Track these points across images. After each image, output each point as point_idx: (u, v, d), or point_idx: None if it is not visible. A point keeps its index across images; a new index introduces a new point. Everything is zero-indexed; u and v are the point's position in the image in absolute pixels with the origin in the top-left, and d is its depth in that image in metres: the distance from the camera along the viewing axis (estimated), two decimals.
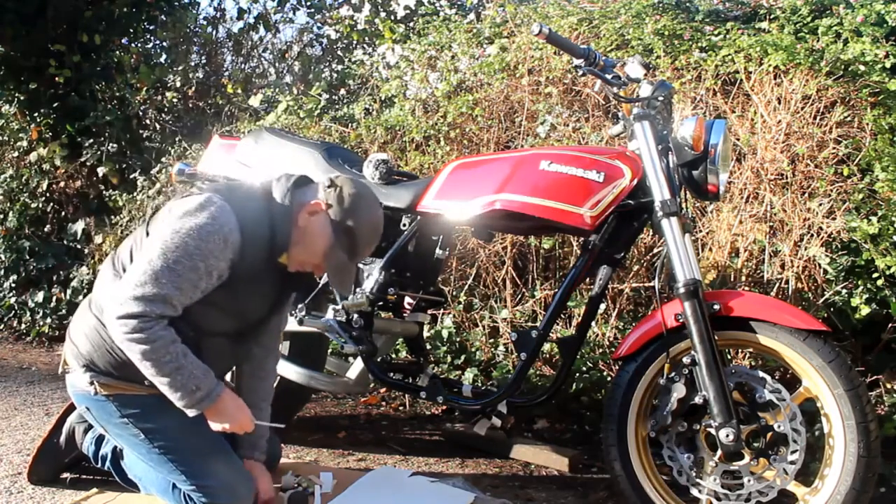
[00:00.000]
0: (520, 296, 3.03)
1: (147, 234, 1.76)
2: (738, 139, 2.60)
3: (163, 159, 4.33)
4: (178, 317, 1.67)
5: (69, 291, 4.72)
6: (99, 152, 4.66)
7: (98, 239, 4.61)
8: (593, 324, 2.76)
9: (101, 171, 4.65)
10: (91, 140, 4.74)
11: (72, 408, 2.10)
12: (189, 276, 1.64)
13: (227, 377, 2.05)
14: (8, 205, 5.19)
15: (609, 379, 2.63)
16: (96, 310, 1.80)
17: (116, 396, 1.80)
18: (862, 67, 2.50)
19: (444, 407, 2.99)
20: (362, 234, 1.77)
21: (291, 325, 2.36)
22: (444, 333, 3.05)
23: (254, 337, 1.94)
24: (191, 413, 1.72)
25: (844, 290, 2.44)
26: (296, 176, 1.82)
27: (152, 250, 1.64)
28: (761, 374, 1.79)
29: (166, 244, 1.63)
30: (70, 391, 1.89)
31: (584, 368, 2.73)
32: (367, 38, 5.78)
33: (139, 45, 5.69)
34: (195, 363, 1.68)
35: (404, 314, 2.37)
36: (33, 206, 5.10)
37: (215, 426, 1.77)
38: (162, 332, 1.63)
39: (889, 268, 2.33)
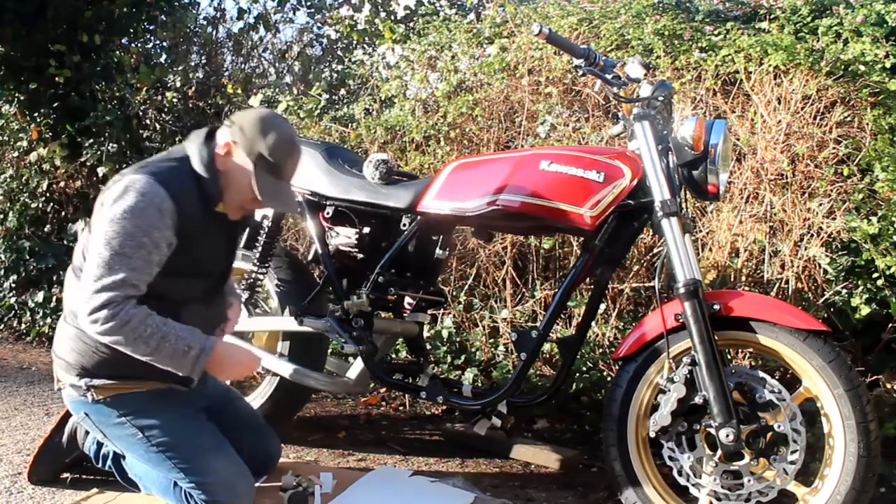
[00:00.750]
0: (520, 296, 3.03)
1: (90, 232, 1.79)
2: (738, 139, 2.60)
3: None
4: (150, 297, 1.71)
5: None
6: (99, 152, 4.66)
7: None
8: (593, 324, 2.76)
9: (101, 171, 4.65)
10: (91, 140, 4.74)
11: None
12: (139, 254, 1.69)
13: None
14: (8, 205, 5.19)
15: (609, 379, 2.63)
16: (71, 319, 1.82)
17: (112, 398, 1.82)
18: (862, 67, 2.50)
19: (444, 407, 2.99)
20: (277, 153, 1.80)
21: (291, 325, 2.36)
22: (444, 333, 3.05)
23: (221, 298, 2.01)
24: (196, 375, 1.75)
25: (844, 290, 2.44)
26: (203, 130, 1.88)
27: (97, 244, 1.70)
28: (761, 374, 1.79)
29: (108, 234, 1.69)
30: (67, 402, 1.91)
31: (584, 368, 2.73)
32: (367, 38, 5.78)
33: (139, 45, 5.69)
34: (178, 326, 1.72)
35: (404, 314, 2.37)
36: (33, 206, 5.09)
37: (223, 378, 1.85)
38: (133, 311, 1.67)
39: (889, 268, 2.33)
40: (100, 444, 2.06)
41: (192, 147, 1.84)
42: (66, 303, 1.86)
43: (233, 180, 1.82)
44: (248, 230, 2.52)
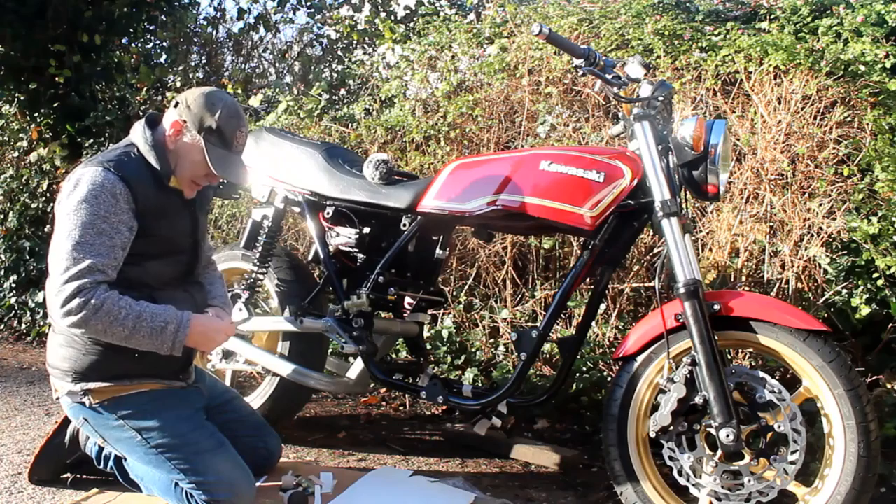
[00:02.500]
0: (520, 296, 3.03)
1: None
2: (738, 139, 2.60)
3: None
4: (126, 286, 1.73)
5: None
6: (99, 152, 4.66)
7: None
8: (593, 324, 2.77)
9: None
10: (91, 140, 4.74)
11: None
12: (101, 241, 1.71)
13: None
14: (8, 205, 5.19)
15: (609, 379, 2.63)
16: (59, 327, 1.83)
17: (110, 401, 1.82)
18: (862, 67, 2.50)
19: (444, 407, 2.99)
20: (225, 124, 1.85)
21: (291, 325, 2.36)
22: (444, 333, 3.05)
23: (197, 282, 2.02)
24: (177, 351, 1.76)
25: (844, 290, 2.44)
26: (142, 118, 1.93)
27: (59, 239, 1.73)
28: (761, 374, 1.79)
29: (67, 227, 1.71)
30: (66, 409, 1.91)
31: (584, 368, 2.73)
32: (367, 38, 5.79)
33: (139, 45, 5.69)
34: (151, 305, 1.74)
35: (404, 314, 2.37)
36: (33, 206, 5.09)
37: (206, 349, 1.88)
38: (104, 294, 1.68)
39: (889, 268, 2.33)
40: (101, 446, 2.06)
41: (136, 134, 1.89)
42: (49, 308, 1.87)
43: (184, 157, 1.86)
44: (245, 228, 2.53)
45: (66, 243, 1.70)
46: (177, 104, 1.87)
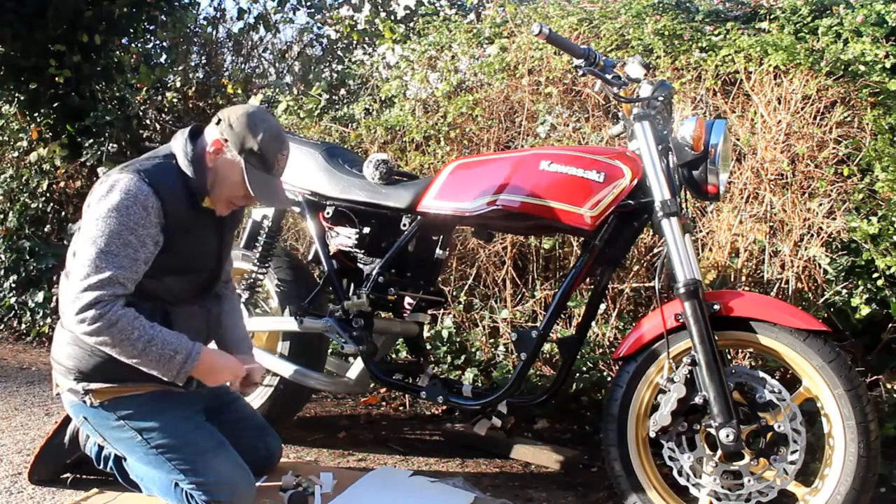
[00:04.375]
0: (520, 296, 3.03)
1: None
2: (738, 139, 2.60)
3: None
4: (142, 298, 1.72)
5: None
6: (99, 152, 4.66)
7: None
8: (593, 324, 2.76)
9: (101, 171, 4.65)
10: (91, 140, 4.74)
11: None
12: (125, 252, 1.69)
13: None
14: (8, 205, 5.19)
15: (609, 379, 2.63)
16: (66, 324, 1.82)
17: (110, 401, 1.82)
18: (862, 67, 2.50)
19: (444, 407, 2.99)
20: (267, 148, 1.82)
21: (291, 325, 2.36)
22: (444, 333, 3.05)
23: (215, 299, 2.00)
24: (181, 380, 1.75)
25: (844, 290, 2.44)
26: (186, 129, 1.88)
27: (84, 243, 1.70)
28: (761, 374, 1.79)
29: (93, 233, 1.69)
30: (66, 407, 1.91)
31: (584, 368, 2.73)
32: (367, 38, 5.79)
33: (139, 45, 5.69)
34: (164, 331, 1.72)
35: (404, 314, 2.37)
36: (33, 206, 5.09)
37: (211, 383, 1.83)
38: (121, 311, 1.67)
39: (889, 268, 2.33)
40: (101, 446, 2.06)
41: (177, 145, 1.85)
42: (61, 307, 1.86)
43: (223, 177, 1.82)
44: (244, 228, 2.52)
45: (91, 249, 1.68)
46: (219, 121, 1.83)
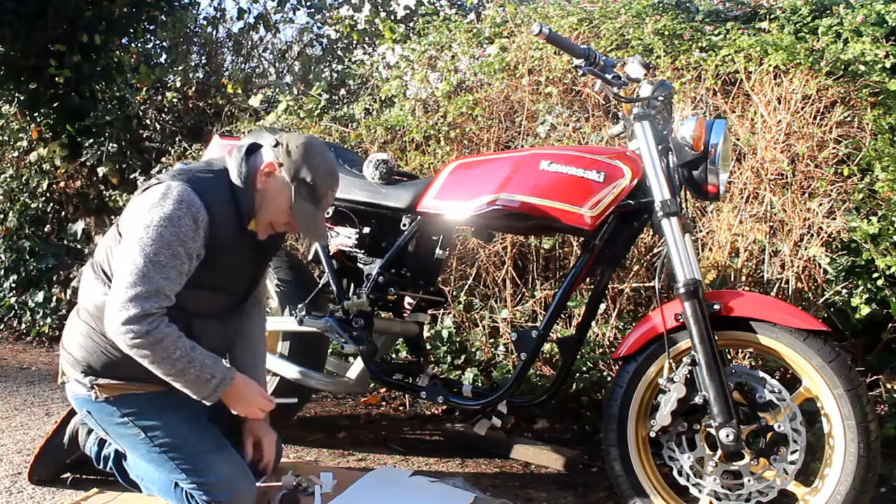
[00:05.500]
0: (520, 296, 3.03)
1: (119, 234, 1.77)
2: (738, 139, 2.60)
3: (163, 159, 4.34)
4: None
5: (69, 291, 4.72)
6: (99, 152, 4.66)
7: (98, 239, 4.60)
8: (593, 324, 2.76)
9: (101, 171, 4.65)
10: (91, 140, 4.74)
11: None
12: (174, 264, 1.67)
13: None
14: (8, 205, 5.19)
15: (609, 379, 2.63)
16: (85, 316, 1.82)
17: (116, 397, 1.82)
18: (862, 67, 2.50)
19: (444, 407, 2.99)
20: (320, 181, 1.81)
21: (291, 325, 2.36)
22: (444, 333, 3.05)
23: (239, 314, 1.98)
24: (208, 402, 1.75)
25: (844, 290, 2.44)
26: (245, 145, 1.86)
27: (132, 250, 1.67)
28: (761, 374, 1.79)
29: (143, 241, 1.66)
30: (70, 398, 1.90)
31: (584, 368, 2.73)
32: (367, 38, 5.79)
33: (139, 45, 5.70)
34: (204, 353, 1.72)
35: (404, 314, 2.37)
36: (33, 206, 5.10)
37: (237, 411, 1.83)
38: (167, 329, 1.66)
39: (889, 268, 2.33)
40: (101, 446, 2.06)
41: (233, 161, 1.83)
42: (82, 299, 1.84)
43: (270, 200, 1.81)
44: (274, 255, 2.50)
45: (140, 258, 1.65)
46: (276, 144, 1.81)
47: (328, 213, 2.35)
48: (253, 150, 1.86)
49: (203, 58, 6.26)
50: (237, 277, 1.90)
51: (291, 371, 2.40)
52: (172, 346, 1.66)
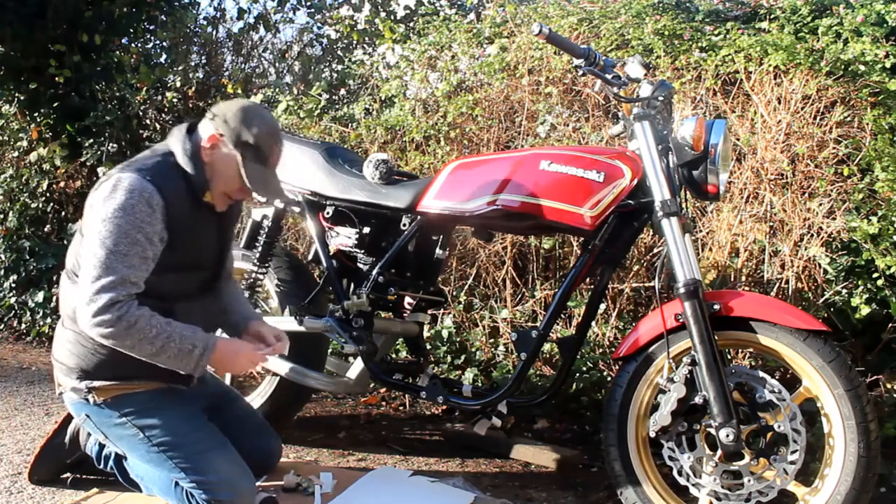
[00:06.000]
0: (520, 296, 3.03)
1: (82, 235, 1.79)
2: (738, 139, 2.60)
3: None
4: (145, 295, 1.72)
5: None
6: (99, 152, 4.66)
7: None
8: (593, 324, 2.76)
9: (101, 171, 4.65)
10: (91, 140, 4.74)
11: None
12: (135, 251, 1.70)
13: None
14: (8, 205, 5.19)
15: (609, 379, 2.63)
16: (69, 324, 1.83)
17: (113, 399, 1.82)
18: (862, 67, 2.50)
19: (444, 407, 2.99)
20: (262, 141, 1.83)
21: (291, 325, 2.36)
22: (444, 333, 3.05)
23: (215, 296, 2.01)
24: (199, 373, 1.78)
25: (844, 290, 2.44)
26: (183, 125, 1.90)
27: (92, 245, 1.70)
28: (761, 374, 1.79)
29: (101, 234, 1.69)
30: (68, 405, 1.91)
31: (584, 368, 2.73)
32: (367, 38, 5.79)
33: (139, 45, 5.69)
34: (180, 325, 1.74)
35: (404, 314, 2.37)
36: (33, 206, 5.09)
37: (232, 371, 1.87)
38: (138, 312, 1.68)
39: (889, 268, 2.33)
40: (101, 445, 2.06)
41: (175, 142, 1.86)
42: (63, 307, 1.86)
43: (220, 171, 1.84)
44: (244, 228, 2.52)
45: (101, 251, 1.68)
46: (213, 116, 1.85)
47: (329, 214, 2.36)
48: (192, 128, 1.89)
49: (203, 58, 6.26)
50: (204, 253, 1.92)
51: (291, 371, 2.40)
52: (147, 325, 1.68)
